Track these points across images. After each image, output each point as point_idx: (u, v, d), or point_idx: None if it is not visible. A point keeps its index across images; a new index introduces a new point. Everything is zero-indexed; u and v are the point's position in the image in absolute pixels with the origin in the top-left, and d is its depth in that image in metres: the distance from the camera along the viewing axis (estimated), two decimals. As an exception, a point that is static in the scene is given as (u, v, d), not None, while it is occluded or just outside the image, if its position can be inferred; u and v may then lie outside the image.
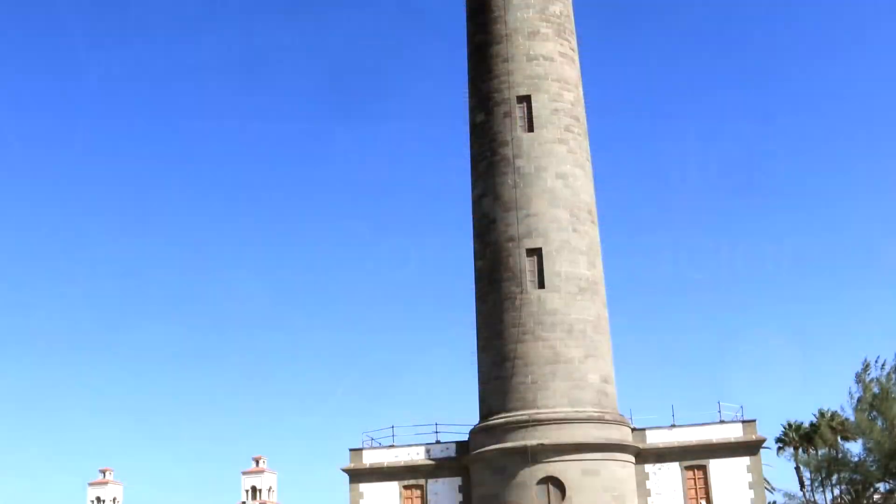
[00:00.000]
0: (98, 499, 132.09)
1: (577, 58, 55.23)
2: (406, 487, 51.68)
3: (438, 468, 51.69)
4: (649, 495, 49.41)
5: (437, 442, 52.37)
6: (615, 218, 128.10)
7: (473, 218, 53.62)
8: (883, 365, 52.03)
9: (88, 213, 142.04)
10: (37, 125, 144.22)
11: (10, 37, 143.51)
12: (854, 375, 52.89)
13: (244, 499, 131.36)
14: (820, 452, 73.70)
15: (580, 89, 54.66)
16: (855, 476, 57.45)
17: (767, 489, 63.29)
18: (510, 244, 51.15)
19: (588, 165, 53.59)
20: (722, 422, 50.81)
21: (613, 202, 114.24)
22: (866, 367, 52.42)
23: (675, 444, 50.22)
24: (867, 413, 52.14)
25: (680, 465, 49.87)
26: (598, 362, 50.37)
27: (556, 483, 47.51)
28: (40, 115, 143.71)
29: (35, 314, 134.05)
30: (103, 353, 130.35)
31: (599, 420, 48.72)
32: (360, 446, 53.07)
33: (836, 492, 69.72)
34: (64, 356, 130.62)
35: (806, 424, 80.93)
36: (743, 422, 50.63)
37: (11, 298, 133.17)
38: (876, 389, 52.00)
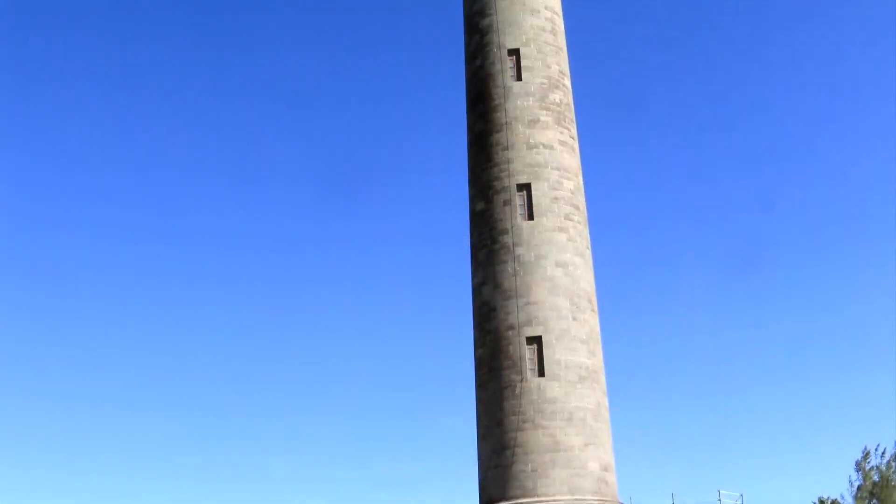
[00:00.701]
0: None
1: (576, 146, 55.67)
2: (406, 578, 51.62)
3: (438, 559, 51.61)
4: (650, 586, 49.40)
5: (437, 531, 52.34)
6: (615, 305, 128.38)
7: (473, 306, 53.73)
8: (883, 453, 52.28)
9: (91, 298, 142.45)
10: (32, 211, 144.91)
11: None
12: (854, 463, 53.06)
13: None
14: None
15: (580, 177, 55.08)
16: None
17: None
18: (510, 332, 51.31)
19: (588, 253, 53.92)
20: (722, 510, 50.90)
21: (613, 289, 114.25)
22: (866, 455, 52.63)
23: (676, 534, 50.27)
24: (867, 501, 52.20)
25: (681, 554, 49.86)
26: (598, 450, 50.33)
27: (557, 574, 47.44)
28: (39, 196, 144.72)
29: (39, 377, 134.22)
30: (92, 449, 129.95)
31: (600, 511, 48.68)
32: (360, 535, 53.02)
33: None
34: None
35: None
36: (743, 511, 50.72)
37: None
38: (876, 477, 52.07)
